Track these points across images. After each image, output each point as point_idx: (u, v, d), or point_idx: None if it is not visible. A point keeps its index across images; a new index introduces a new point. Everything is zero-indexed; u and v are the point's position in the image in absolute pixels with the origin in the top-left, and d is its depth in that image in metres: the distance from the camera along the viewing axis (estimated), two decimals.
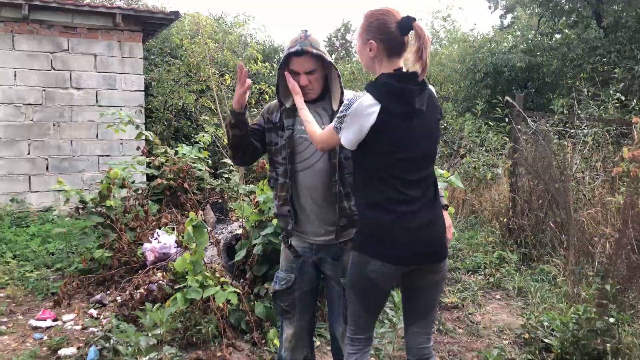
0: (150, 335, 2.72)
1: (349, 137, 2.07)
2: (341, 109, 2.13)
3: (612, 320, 3.47)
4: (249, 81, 2.39)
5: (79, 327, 3.98)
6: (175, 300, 3.52)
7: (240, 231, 4.46)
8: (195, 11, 10.67)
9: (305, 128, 2.31)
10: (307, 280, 2.60)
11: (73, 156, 8.98)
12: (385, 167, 2.08)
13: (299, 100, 2.39)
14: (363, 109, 2.03)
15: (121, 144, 9.29)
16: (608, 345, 3.45)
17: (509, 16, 23.27)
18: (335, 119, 2.15)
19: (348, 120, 2.05)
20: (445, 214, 2.32)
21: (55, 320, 4.12)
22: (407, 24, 2.05)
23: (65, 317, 4.18)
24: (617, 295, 3.58)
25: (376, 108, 2.02)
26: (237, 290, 3.64)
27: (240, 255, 4.13)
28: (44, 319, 4.09)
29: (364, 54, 2.16)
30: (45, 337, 3.79)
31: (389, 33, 2.07)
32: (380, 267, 2.08)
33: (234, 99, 2.43)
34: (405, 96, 2.06)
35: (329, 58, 2.42)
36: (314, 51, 2.35)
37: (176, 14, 9.14)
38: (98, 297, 4.41)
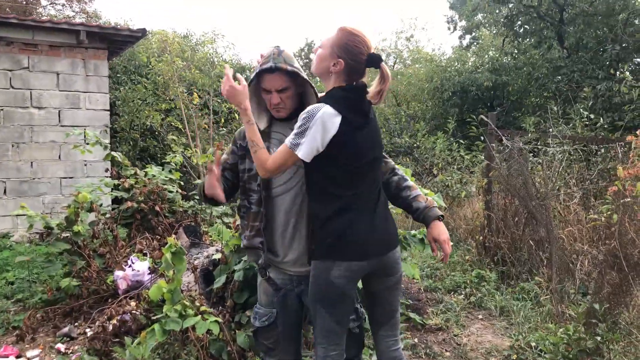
0: None
1: (309, 150, 2.07)
2: (301, 120, 2.08)
3: (600, 339, 3.44)
4: (217, 171, 2.31)
5: None
6: (152, 332, 3.30)
7: (217, 256, 4.27)
8: (161, 29, 10.47)
9: (254, 153, 2.17)
10: (290, 314, 2.44)
11: (33, 178, 8.60)
12: (344, 176, 2.15)
13: (248, 115, 2.20)
14: (328, 118, 2.06)
15: (85, 165, 8.95)
16: None
17: (468, 37, 23.93)
18: (292, 136, 2.09)
19: (310, 133, 2.06)
20: (441, 225, 2.37)
21: (18, 357, 3.82)
22: (376, 60, 2.14)
23: (29, 353, 3.88)
24: (606, 314, 3.55)
25: (338, 119, 2.08)
26: (218, 319, 3.45)
27: (219, 281, 3.94)
28: (6, 356, 3.78)
29: (324, 63, 2.17)
30: None
31: (358, 61, 2.13)
32: (345, 270, 2.12)
33: (205, 184, 2.34)
34: (362, 107, 2.17)
35: (304, 75, 2.30)
36: (289, 68, 2.24)
37: (143, 32, 8.92)
38: (66, 329, 4.13)
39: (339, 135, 2.07)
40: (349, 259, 2.13)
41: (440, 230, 2.34)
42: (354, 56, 2.12)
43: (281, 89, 2.26)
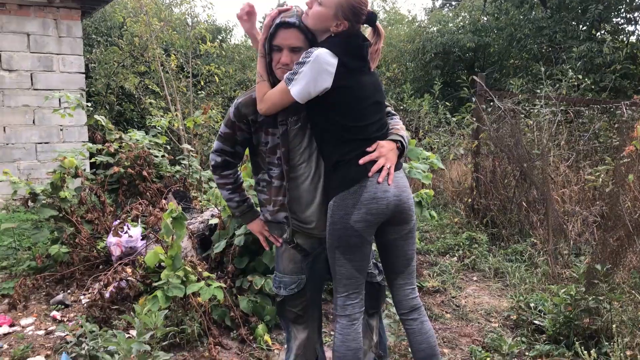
0: (143, 341, 2.42)
1: (301, 89, 2.06)
2: (300, 59, 2.07)
3: (602, 299, 3.48)
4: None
5: (42, 332, 3.58)
6: (154, 298, 3.22)
7: (214, 221, 4.17)
8: None
9: (257, 84, 2.19)
10: (318, 278, 2.41)
11: (7, 144, 8.26)
12: (347, 120, 2.14)
13: (261, 43, 2.19)
14: (324, 60, 2.05)
15: (61, 130, 8.63)
16: (599, 324, 3.47)
17: None
18: (289, 72, 2.08)
19: (305, 70, 2.04)
20: (389, 143, 2.27)
21: (12, 325, 3.70)
22: (373, 19, 2.18)
23: (23, 321, 3.76)
24: (608, 274, 3.58)
25: (334, 61, 2.07)
26: (222, 285, 3.38)
27: (219, 247, 3.85)
28: (0, 325, 3.66)
29: (326, 23, 2.12)
30: (6, 346, 3.38)
31: (360, 21, 2.15)
32: (365, 213, 2.11)
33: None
34: (361, 52, 2.17)
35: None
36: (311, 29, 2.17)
37: None
38: (60, 297, 4.00)
39: (336, 78, 2.07)
40: (368, 202, 2.11)
41: (385, 142, 2.21)
42: (358, 18, 2.13)
43: (294, 47, 2.14)
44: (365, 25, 2.20)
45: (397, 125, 2.34)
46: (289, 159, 2.22)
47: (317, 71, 2.04)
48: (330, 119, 2.15)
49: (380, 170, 2.13)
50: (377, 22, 2.20)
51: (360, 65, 2.17)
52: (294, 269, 2.37)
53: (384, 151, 2.16)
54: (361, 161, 2.13)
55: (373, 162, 2.14)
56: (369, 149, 2.15)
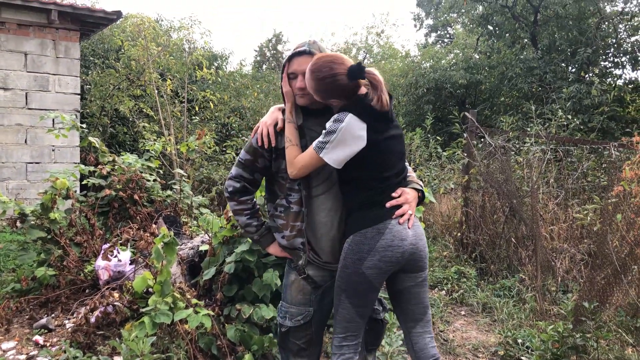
0: None
1: (338, 157, 2.10)
2: (329, 127, 2.09)
3: (590, 336, 3.49)
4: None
5: (23, 357, 3.51)
6: (141, 324, 3.18)
7: (204, 247, 4.16)
8: (135, 12, 10.16)
9: (286, 149, 2.21)
10: (326, 312, 2.40)
11: None
12: (375, 172, 2.18)
13: (289, 109, 2.24)
14: (354, 129, 2.08)
15: (53, 150, 8.62)
16: None
17: (434, 34, 24.22)
18: (319, 141, 2.11)
19: (338, 139, 2.08)
20: (412, 191, 2.32)
21: None
22: (357, 74, 2.08)
23: (4, 345, 3.69)
24: (595, 312, 3.61)
25: (364, 125, 2.09)
26: (210, 312, 3.36)
27: (208, 274, 3.82)
28: None
29: (325, 102, 2.20)
30: None
31: (344, 87, 2.11)
32: (378, 260, 2.11)
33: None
34: (385, 113, 2.16)
35: None
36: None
37: (118, 14, 8.63)
38: (43, 321, 3.94)
39: (367, 143, 2.10)
40: (384, 249, 2.12)
41: (409, 190, 2.27)
42: (340, 89, 2.11)
43: None
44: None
45: (412, 174, 2.43)
46: (309, 185, 2.25)
47: (350, 138, 2.08)
48: (359, 170, 2.18)
49: (401, 214, 2.18)
50: (369, 71, 2.11)
51: (384, 123, 2.17)
52: (302, 300, 2.35)
53: (409, 198, 2.22)
54: (388, 204, 2.16)
55: (397, 206, 2.18)
56: (394, 194, 2.20)
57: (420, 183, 2.39)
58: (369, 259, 2.11)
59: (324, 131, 2.12)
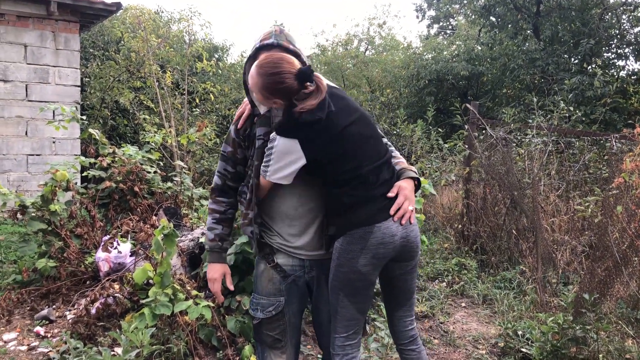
0: (129, 359, 2.40)
1: (283, 175, 2.09)
2: (267, 148, 2.10)
3: (590, 328, 3.49)
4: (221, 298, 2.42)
5: (24, 348, 3.53)
6: (141, 316, 3.19)
7: (204, 239, 4.15)
8: (135, 4, 10.12)
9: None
10: (297, 301, 2.33)
11: None
12: (341, 172, 2.10)
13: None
14: (286, 148, 2.04)
15: (54, 142, 8.62)
16: (586, 353, 3.48)
17: (436, 26, 24.10)
18: (262, 165, 2.13)
19: (275, 160, 2.06)
20: (410, 181, 2.23)
21: None
22: (305, 77, 2.01)
23: (5, 336, 3.70)
24: (596, 304, 3.60)
25: (295, 142, 2.03)
26: (210, 304, 3.36)
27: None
28: None
29: (267, 103, 2.12)
30: None
31: (290, 88, 2.02)
32: (372, 257, 2.10)
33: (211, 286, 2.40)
34: (314, 121, 2.04)
35: (304, 56, 2.19)
36: (290, 47, 2.14)
37: (118, 6, 8.60)
38: (44, 312, 3.95)
39: (307, 152, 2.04)
40: (376, 247, 2.10)
41: (405, 183, 2.19)
42: (284, 90, 2.02)
43: None
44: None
45: (401, 158, 2.34)
46: (259, 173, 2.19)
47: (286, 157, 2.05)
48: (325, 174, 2.13)
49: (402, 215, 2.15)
50: (317, 75, 2.05)
51: (320, 126, 2.04)
52: (272, 290, 2.28)
53: (407, 194, 2.16)
54: (391, 211, 2.12)
55: (392, 205, 2.14)
56: (390, 194, 2.13)
57: (413, 168, 2.28)
58: (363, 257, 2.09)
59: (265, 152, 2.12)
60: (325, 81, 2.13)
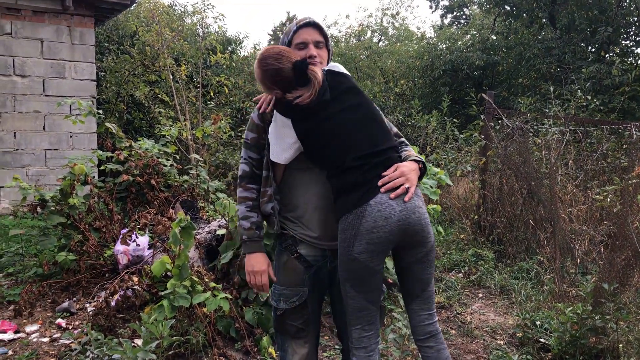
0: (149, 350, 2.43)
1: (276, 152, 2.18)
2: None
3: (609, 318, 3.46)
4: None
5: (46, 339, 3.59)
6: (160, 307, 3.23)
7: (221, 232, 4.18)
8: None
9: None
10: (319, 291, 2.36)
11: (17, 149, 8.34)
12: (330, 158, 2.12)
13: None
14: (279, 124, 2.15)
15: (71, 136, 8.70)
16: (605, 343, 3.45)
17: (449, 15, 23.88)
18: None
19: (272, 138, 2.19)
20: (412, 163, 2.18)
21: (17, 332, 3.71)
22: (301, 69, 2.11)
23: (28, 328, 3.77)
24: (615, 293, 3.57)
25: (288, 121, 2.13)
26: (228, 296, 3.39)
27: (226, 257, 3.86)
28: (5, 331, 3.67)
29: (268, 93, 2.24)
30: (10, 352, 3.38)
31: (287, 79, 2.13)
32: (367, 244, 2.04)
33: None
34: (303, 106, 2.11)
35: (330, 43, 2.32)
36: (324, 28, 2.30)
37: (132, 0, 8.63)
38: (65, 304, 4.01)
39: (300, 132, 2.12)
40: (368, 232, 2.03)
41: (405, 163, 2.15)
42: (281, 80, 2.13)
43: (317, 41, 2.25)
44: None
45: (411, 151, 2.29)
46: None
47: (280, 137, 2.15)
48: (321, 161, 2.16)
49: (396, 189, 2.05)
50: (312, 68, 2.11)
51: (318, 109, 2.11)
52: (295, 280, 2.29)
53: (405, 170, 2.09)
54: (380, 182, 2.05)
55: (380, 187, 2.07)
56: (387, 172, 2.08)
57: (419, 156, 2.24)
58: (357, 243, 2.04)
59: None
60: (336, 69, 2.21)
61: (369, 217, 2.03)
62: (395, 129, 2.41)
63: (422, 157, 2.24)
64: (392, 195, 2.04)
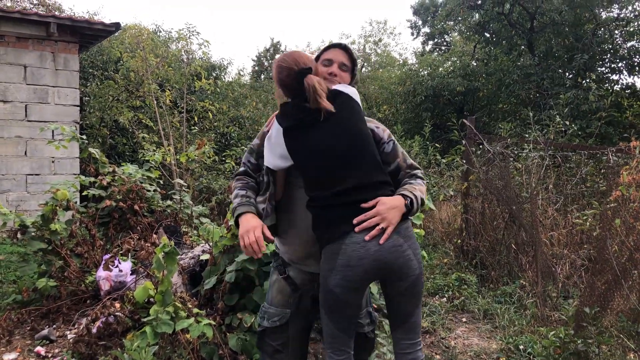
0: None
1: (267, 158, 2.25)
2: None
3: (591, 342, 3.50)
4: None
5: None
6: (142, 334, 3.19)
7: (205, 257, 4.16)
8: (134, 23, 10.22)
9: None
10: (303, 316, 2.37)
11: None
12: (309, 189, 2.16)
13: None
14: (275, 135, 2.21)
15: (53, 162, 8.64)
16: None
17: (430, 42, 24.34)
18: None
19: (266, 144, 2.27)
20: (395, 199, 2.09)
21: None
22: (300, 76, 2.17)
23: (6, 357, 3.68)
24: (596, 317, 3.61)
25: (280, 130, 2.19)
26: (211, 322, 3.36)
27: (209, 283, 3.83)
28: None
29: (278, 92, 2.34)
30: None
31: (286, 82, 2.23)
32: (341, 279, 2.05)
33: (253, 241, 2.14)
34: (303, 116, 2.16)
35: (357, 71, 2.43)
36: (355, 54, 2.40)
37: (117, 26, 8.68)
38: (45, 332, 3.94)
39: (287, 145, 2.17)
40: (343, 269, 2.03)
41: (387, 199, 2.06)
42: (282, 80, 2.24)
43: (342, 63, 2.34)
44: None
45: (414, 184, 2.21)
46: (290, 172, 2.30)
47: (272, 144, 2.23)
48: (302, 179, 2.21)
49: (371, 229, 2.00)
50: (310, 77, 2.14)
51: (299, 122, 2.14)
52: (281, 301, 2.37)
53: (382, 209, 2.01)
54: (355, 220, 2.01)
55: (359, 224, 2.04)
56: (365, 205, 2.03)
57: (418, 193, 2.14)
58: (333, 277, 2.05)
59: None
60: (342, 89, 2.23)
61: (343, 256, 2.02)
62: (410, 160, 2.34)
63: (419, 193, 2.14)
64: (367, 237, 2.00)
